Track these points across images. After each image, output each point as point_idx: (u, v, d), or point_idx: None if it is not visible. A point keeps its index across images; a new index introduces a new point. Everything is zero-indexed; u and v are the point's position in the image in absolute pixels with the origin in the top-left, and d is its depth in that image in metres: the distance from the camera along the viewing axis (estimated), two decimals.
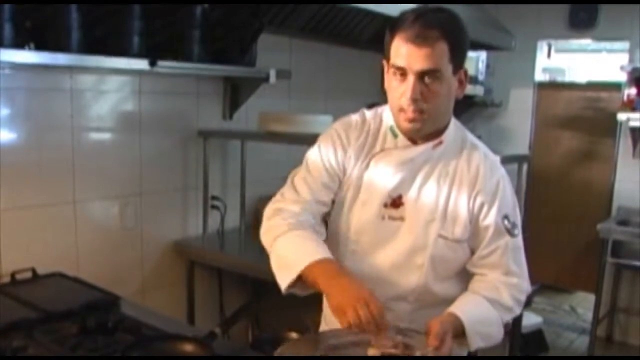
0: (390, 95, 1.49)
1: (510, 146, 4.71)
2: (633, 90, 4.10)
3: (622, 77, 4.24)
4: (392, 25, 1.46)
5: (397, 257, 1.54)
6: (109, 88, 2.61)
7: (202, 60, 2.64)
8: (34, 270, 2.25)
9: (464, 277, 1.58)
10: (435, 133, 1.53)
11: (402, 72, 1.42)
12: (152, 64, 2.37)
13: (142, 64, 2.36)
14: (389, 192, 1.53)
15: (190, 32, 2.60)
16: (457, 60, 1.44)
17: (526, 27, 4.46)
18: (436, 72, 1.41)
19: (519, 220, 1.57)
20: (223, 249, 3.07)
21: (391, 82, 1.47)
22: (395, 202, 1.54)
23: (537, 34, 4.63)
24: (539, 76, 4.81)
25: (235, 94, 3.12)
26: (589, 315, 4.32)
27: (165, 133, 2.86)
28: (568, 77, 5.27)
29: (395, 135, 1.55)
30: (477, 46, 4.01)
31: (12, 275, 2.20)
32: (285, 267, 1.45)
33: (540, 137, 4.83)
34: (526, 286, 1.57)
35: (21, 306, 1.92)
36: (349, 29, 3.50)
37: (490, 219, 1.52)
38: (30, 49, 2.10)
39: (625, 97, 4.17)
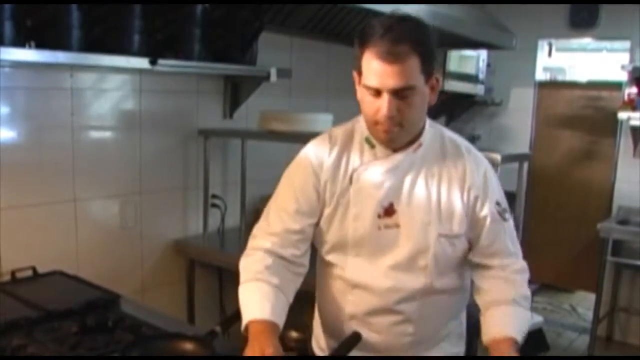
0: (365, 110, 1.48)
1: (510, 145, 4.71)
2: (634, 90, 4.10)
3: (623, 76, 4.24)
4: (360, 37, 1.44)
5: (399, 262, 1.54)
6: (110, 86, 2.60)
7: (203, 59, 2.64)
8: (34, 269, 2.25)
9: (461, 266, 1.62)
10: (413, 138, 1.54)
11: (376, 91, 1.42)
12: (153, 62, 2.37)
13: (142, 62, 2.36)
14: (380, 202, 1.53)
15: (191, 30, 2.60)
16: (428, 69, 1.44)
17: (527, 26, 4.46)
18: (410, 88, 1.40)
19: (507, 204, 1.61)
20: (223, 247, 3.07)
21: (364, 96, 1.46)
22: (388, 211, 1.53)
23: (538, 33, 4.63)
24: (540, 75, 4.81)
25: (235, 92, 3.12)
26: (589, 315, 4.32)
27: (166, 132, 2.86)
28: (569, 76, 5.26)
29: (372, 146, 1.54)
30: (477, 45, 4.01)
31: (13, 273, 2.20)
32: (243, 315, 1.49)
33: (540, 136, 4.83)
34: (524, 263, 1.62)
35: (21, 305, 1.92)
36: (349, 27, 3.50)
37: (486, 209, 1.54)
38: (30, 47, 2.10)
39: (625, 97, 4.17)
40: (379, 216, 1.53)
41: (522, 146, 4.75)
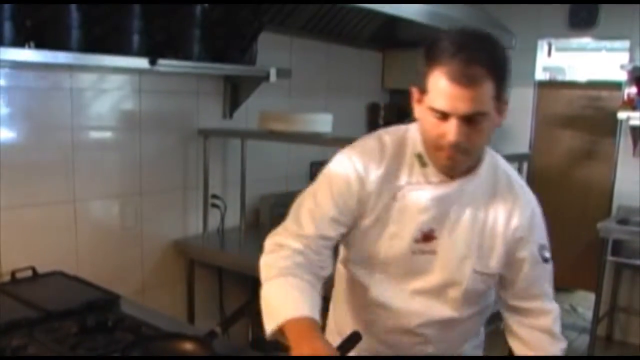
0: (427, 132, 1.36)
1: (510, 145, 4.70)
2: (633, 89, 4.10)
3: (623, 76, 4.24)
4: (428, 53, 1.32)
5: (428, 290, 1.48)
6: (109, 87, 2.60)
7: (203, 59, 2.64)
8: (34, 269, 2.25)
9: (487, 292, 1.57)
10: (472, 165, 1.44)
11: (444, 115, 1.30)
12: (153, 62, 2.37)
13: (142, 62, 2.36)
14: (421, 227, 1.44)
15: (191, 31, 2.60)
16: (501, 94, 1.32)
17: (527, 26, 4.46)
18: (481, 114, 1.29)
19: (548, 243, 1.53)
20: (223, 247, 3.07)
21: (426, 117, 1.34)
22: (427, 236, 1.45)
23: (538, 32, 4.62)
24: (540, 75, 4.81)
25: (235, 92, 3.12)
26: (589, 314, 4.32)
27: (166, 132, 2.86)
28: (568, 76, 5.27)
29: (423, 165, 1.43)
30: None
31: (12, 274, 2.20)
32: (269, 315, 1.34)
33: (540, 136, 4.82)
34: (557, 306, 1.58)
35: (21, 305, 1.92)
36: (349, 27, 3.50)
37: (526, 251, 1.47)
38: (30, 47, 2.10)
39: (625, 96, 4.17)
40: (416, 240, 1.45)
41: (522, 146, 4.74)
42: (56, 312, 1.84)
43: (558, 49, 4.87)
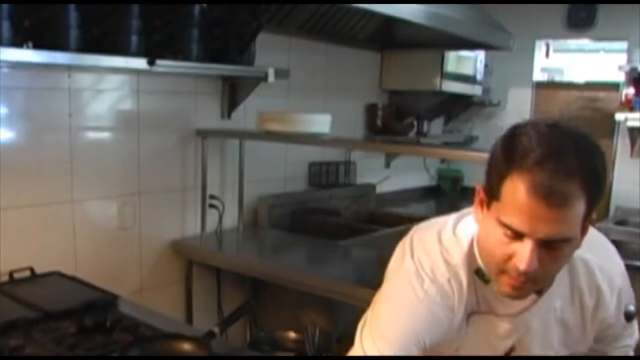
0: (489, 249, 1.12)
1: None
2: (631, 90, 4.10)
3: (620, 77, 4.25)
4: (507, 150, 1.05)
5: None
6: (108, 87, 2.60)
7: (201, 60, 2.64)
8: (32, 270, 2.25)
9: None
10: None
11: (517, 234, 1.05)
12: (151, 63, 2.37)
13: (140, 63, 2.36)
14: (501, 351, 1.28)
15: (189, 31, 2.59)
16: (592, 212, 1.06)
17: (525, 26, 4.46)
18: (565, 241, 1.05)
19: (634, 302, 1.38)
20: (221, 248, 3.07)
21: (492, 230, 1.09)
22: (508, 352, 1.29)
23: (536, 33, 4.63)
24: (538, 76, 4.82)
25: (233, 93, 3.12)
26: None
27: (164, 132, 2.86)
28: (566, 77, 5.26)
29: (486, 281, 1.21)
30: (475, 46, 4.02)
31: (10, 274, 2.20)
32: None
33: None
34: (636, 337, 1.45)
35: (19, 305, 1.92)
36: (347, 28, 3.50)
37: (614, 328, 1.35)
38: (28, 47, 2.10)
39: (623, 97, 4.18)
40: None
41: None
42: (54, 313, 1.84)
43: (556, 50, 4.87)
